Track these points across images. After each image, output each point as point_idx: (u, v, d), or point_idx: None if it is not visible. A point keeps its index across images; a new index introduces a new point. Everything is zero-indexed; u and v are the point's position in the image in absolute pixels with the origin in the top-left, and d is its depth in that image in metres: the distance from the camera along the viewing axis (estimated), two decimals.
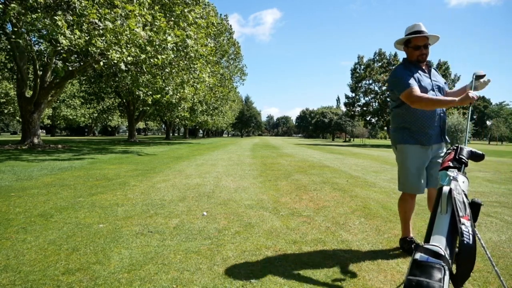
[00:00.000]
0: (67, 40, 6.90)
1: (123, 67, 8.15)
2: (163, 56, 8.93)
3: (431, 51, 2.31)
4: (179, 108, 22.87)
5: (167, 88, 11.74)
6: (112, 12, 7.75)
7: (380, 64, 38.79)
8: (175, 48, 9.12)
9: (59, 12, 7.35)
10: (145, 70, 9.85)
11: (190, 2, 12.34)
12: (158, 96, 11.94)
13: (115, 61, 7.94)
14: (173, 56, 9.51)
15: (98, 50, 7.46)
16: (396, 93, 2.22)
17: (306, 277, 1.92)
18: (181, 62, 10.80)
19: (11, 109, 32.28)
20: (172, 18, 9.48)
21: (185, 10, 10.10)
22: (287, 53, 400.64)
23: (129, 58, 8.36)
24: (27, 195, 4.02)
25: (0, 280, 1.79)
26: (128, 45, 8.11)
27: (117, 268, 1.97)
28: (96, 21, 7.29)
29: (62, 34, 6.84)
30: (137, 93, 14.77)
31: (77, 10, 7.31)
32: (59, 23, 6.81)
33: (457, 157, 1.70)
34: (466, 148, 1.75)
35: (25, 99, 13.00)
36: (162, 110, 27.04)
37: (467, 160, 1.71)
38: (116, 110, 35.67)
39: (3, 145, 13.19)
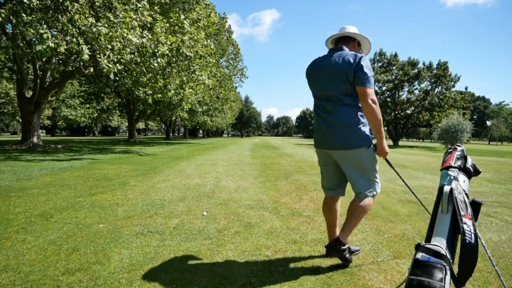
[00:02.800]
0: (49, 52, 7.06)
1: (112, 76, 8.19)
2: (155, 64, 8.95)
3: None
4: (179, 108, 22.86)
5: (168, 87, 11.72)
6: (109, 15, 7.74)
7: (380, 64, 38.82)
8: (169, 54, 9.11)
9: (45, 26, 7.49)
10: (145, 71, 9.83)
11: (188, 2, 12.31)
12: (159, 96, 11.92)
13: (105, 70, 7.99)
14: (165, 64, 9.54)
15: (86, 57, 7.50)
16: (360, 83, 1.90)
17: (306, 277, 1.92)
18: (180, 63, 10.78)
19: (11, 109, 32.29)
20: (168, 25, 9.48)
21: (181, 17, 10.07)
22: (286, 54, 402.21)
23: (119, 67, 8.38)
24: (27, 195, 4.02)
25: (0, 280, 1.79)
26: (122, 51, 8.13)
27: (117, 268, 1.97)
28: (89, 24, 7.31)
29: (47, 45, 6.99)
30: (137, 93, 14.77)
31: (71, 13, 7.35)
32: (48, 40, 7.01)
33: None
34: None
35: (25, 99, 13.01)
36: (162, 110, 27.04)
37: (472, 172, 1.75)
38: (116, 110, 35.66)
39: (3, 145, 13.18)
